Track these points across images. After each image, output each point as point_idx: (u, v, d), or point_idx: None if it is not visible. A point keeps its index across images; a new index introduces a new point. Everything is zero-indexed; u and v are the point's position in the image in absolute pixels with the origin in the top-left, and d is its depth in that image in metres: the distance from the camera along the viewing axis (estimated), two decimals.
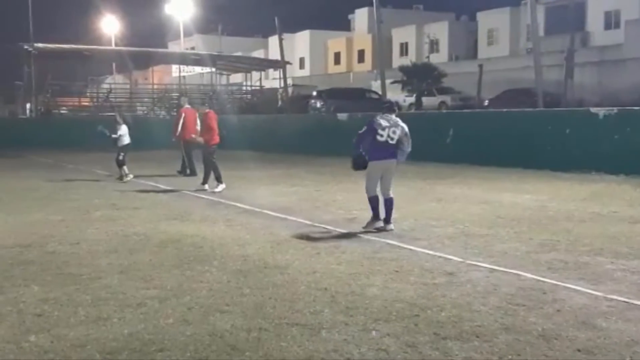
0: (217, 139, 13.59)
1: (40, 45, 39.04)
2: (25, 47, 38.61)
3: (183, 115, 16.43)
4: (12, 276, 6.45)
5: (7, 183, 15.09)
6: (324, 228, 9.08)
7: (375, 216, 8.91)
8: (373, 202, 8.91)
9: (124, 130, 15.06)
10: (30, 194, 13.06)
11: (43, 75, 40.24)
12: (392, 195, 8.88)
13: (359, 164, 8.97)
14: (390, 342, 4.61)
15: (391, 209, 8.88)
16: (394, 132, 8.68)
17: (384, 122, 8.71)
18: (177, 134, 16.32)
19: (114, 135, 15.06)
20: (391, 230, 8.73)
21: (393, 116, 8.84)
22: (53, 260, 7.15)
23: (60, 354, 4.45)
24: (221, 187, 13.20)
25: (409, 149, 8.84)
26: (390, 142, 8.69)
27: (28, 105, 41.80)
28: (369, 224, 8.94)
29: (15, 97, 50.09)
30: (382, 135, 8.66)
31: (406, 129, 8.81)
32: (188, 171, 16.36)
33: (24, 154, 24.39)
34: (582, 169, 15.28)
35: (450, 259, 7.11)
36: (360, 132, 8.89)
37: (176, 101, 18.46)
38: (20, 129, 32.15)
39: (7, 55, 43.28)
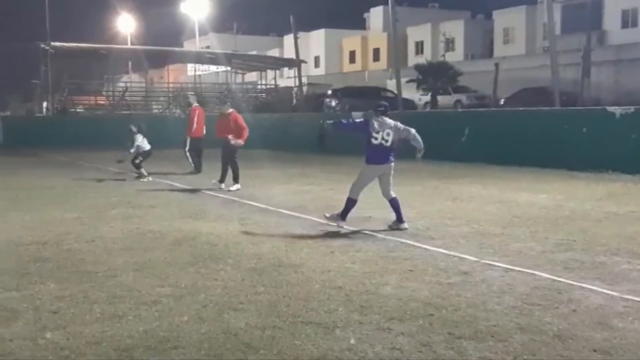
0: None
1: (57, 44, 39.25)
2: (42, 45, 38.85)
3: (197, 112, 16.56)
4: (28, 273, 6.50)
5: (23, 181, 15.21)
6: (338, 227, 9.06)
7: (343, 216, 8.91)
8: (350, 204, 8.89)
9: (139, 139, 15.09)
10: (46, 192, 13.16)
11: (60, 74, 40.47)
12: (394, 195, 8.87)
13: (323, 138, 9.48)
14: (404, 342, 4.60)
15: (399, 208, 8.86)
16: (387, 134, 8.70)
17: (376, 125, 8.73)
18: (193, 131, 16.44)
19: (131, 150, 15.11)
20: (405, 229, 8.72)
21: (387, 119, 8.84)
22: (69, 257, 7.19)
23: (75, 351, 4.48)
24: (236, 186, 13.24)
25: (413, 130, 8.82)
26: (385, 144, 8.71)
27: (45, 104, 42.07)
28: (332, 216, 9.00)
29: (32, 96, 50.47)
30: (376, 138, 8.69)
31: (400, 125, 8.83)
32: (193, 165, 16.51)
33: (40, 153, 24.57)
34: (599, 168, 15.17)
35: (465, 258, 7.08)
36: (356, 120, 8.95)
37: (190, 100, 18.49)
38: (37, 127, 32.36)
39: (24, 54, 43.67)
